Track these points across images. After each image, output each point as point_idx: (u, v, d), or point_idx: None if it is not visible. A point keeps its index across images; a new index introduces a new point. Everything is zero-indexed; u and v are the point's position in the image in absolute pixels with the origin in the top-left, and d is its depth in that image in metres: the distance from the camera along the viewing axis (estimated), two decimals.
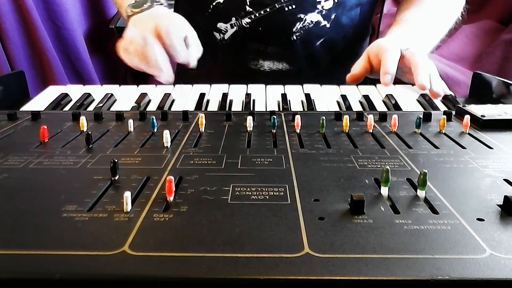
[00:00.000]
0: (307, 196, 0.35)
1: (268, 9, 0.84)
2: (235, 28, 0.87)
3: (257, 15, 0.85)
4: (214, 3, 0.87)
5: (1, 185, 0.37)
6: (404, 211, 0.32)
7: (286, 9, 0.84)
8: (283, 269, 0.25)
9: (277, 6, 0.84)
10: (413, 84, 0.73)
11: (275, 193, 0.35)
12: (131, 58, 0.68)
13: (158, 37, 0.67)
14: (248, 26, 0.86)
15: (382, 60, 0.68)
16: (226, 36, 0.89)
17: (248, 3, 0.84)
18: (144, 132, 0.51)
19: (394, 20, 0.87)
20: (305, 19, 0.85)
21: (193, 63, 0.71)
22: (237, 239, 0.29)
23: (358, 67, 0.74)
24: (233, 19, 0.86)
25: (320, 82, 0.78)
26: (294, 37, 0.87)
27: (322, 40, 0.89)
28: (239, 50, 0.89)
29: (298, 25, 0.86)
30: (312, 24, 0.86)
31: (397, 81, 0.72)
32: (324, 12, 0.85)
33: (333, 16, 0.86)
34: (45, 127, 0.48)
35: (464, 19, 0.89)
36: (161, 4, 0.76)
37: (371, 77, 0.77)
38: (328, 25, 0.87)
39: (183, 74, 1.07)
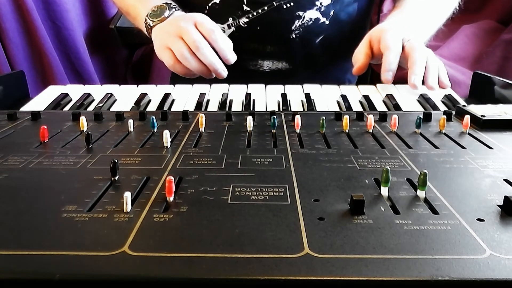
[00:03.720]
0: (307, 196, 0.35)
1: (266, 8, 0.83)
2: (232, 28, 0.86)
3: (254, 14, 0.84)
4: (210, 4, 0.86)
5: (1, 185, 0.37)
6: (404, 211, 0.32)
7: (284, 7, 0.83)
8: (283, 269, 0.25)
9: (275, 4, 0.83)
10: None
11: (275, 193, 0.35)
12: (187, 69, 0.68)
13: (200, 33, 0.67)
14: (245, 25, 0.85)
15: (384, 56, 0.68)
16: None
17: (245, 2, 0.83)
18: (144, 132, 0.51)
19: (393, 7, 0.87)
20: (304, 17, 0.85)
21: (233, 56, 0.70)
22: (237, 239, 0.29)
23: (361, 57, 0.73)
24: (230, 19, 0.85)
25: (319, 80, 0.78)
26: (293, 35, 0.86)
27: (321, 37, 0.88)
28: (238, 51, 0.88)
29: (297, 23, 0.85)
30: (311, 22, 0.85)
31: (397, 80, 0.72)
32: (322, 9, 0.85)
33: (331, 13, 0.86)
34: (45, 127, 0.48)
35: (461, 9, 0.90)
36: (178, 9, 0.75)
37: (372, 63, 0.76)
38: (327, 22, 0.86)
39: None
